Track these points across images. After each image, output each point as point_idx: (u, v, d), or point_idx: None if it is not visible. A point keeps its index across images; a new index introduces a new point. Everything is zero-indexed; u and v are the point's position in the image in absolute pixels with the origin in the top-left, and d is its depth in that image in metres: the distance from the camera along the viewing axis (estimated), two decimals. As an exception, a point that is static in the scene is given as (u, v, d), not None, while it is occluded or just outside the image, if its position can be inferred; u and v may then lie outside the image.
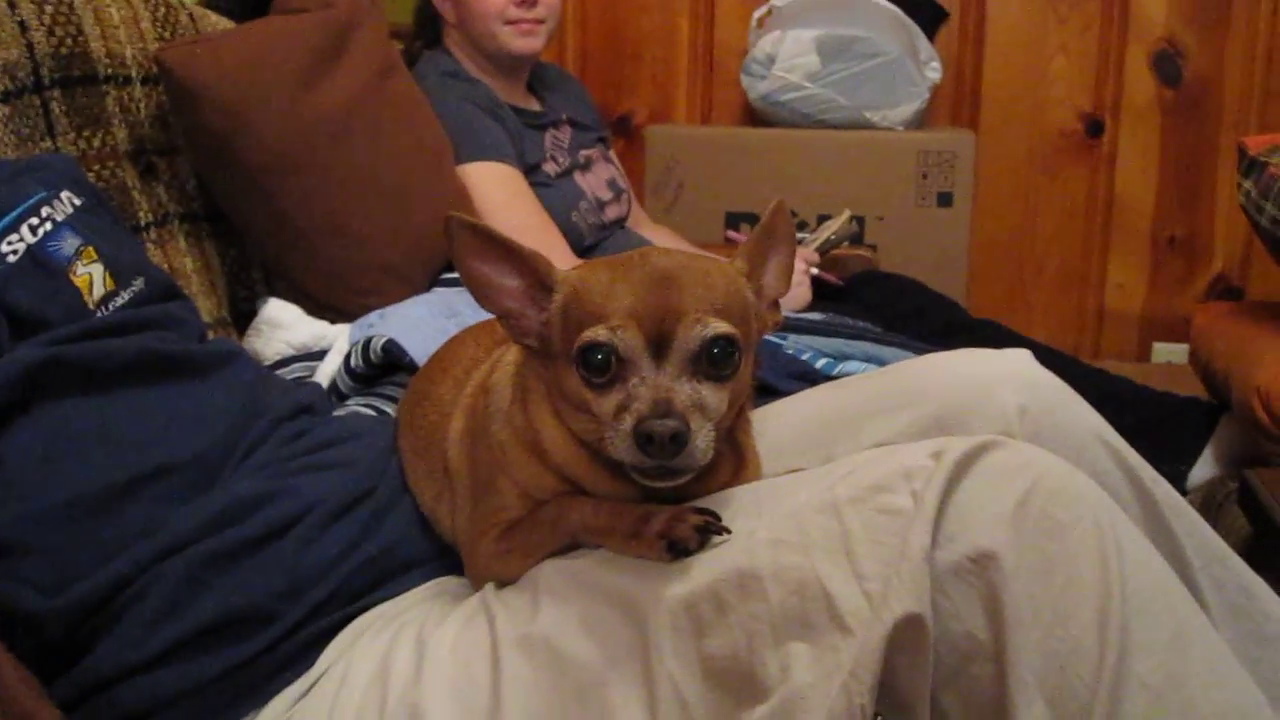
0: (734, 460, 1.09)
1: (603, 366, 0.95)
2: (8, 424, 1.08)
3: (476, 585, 1.12)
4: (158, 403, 1.18)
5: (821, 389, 1.33)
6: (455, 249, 1.03)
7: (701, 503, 1.00)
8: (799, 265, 2.37)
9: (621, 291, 0.96)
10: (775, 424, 1.23)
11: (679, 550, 0.95)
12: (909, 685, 0.87)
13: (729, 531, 0.95)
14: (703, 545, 0.95)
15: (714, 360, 0.95)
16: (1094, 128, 3.39)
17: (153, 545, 1.07)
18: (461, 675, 1.00)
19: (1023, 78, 3.41)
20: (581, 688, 0.95)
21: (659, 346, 0.94)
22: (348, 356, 1.76)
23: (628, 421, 0.92)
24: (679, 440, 0.90)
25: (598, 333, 0.94)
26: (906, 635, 0.85)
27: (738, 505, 0.99)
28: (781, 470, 1.13)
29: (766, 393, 1.76)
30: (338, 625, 1.13)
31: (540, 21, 2.32)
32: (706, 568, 0.93)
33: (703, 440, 0.92)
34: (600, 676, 0.94)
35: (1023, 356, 1.21)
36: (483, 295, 1.04)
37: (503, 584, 1.09)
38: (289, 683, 1.10)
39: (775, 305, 1.08)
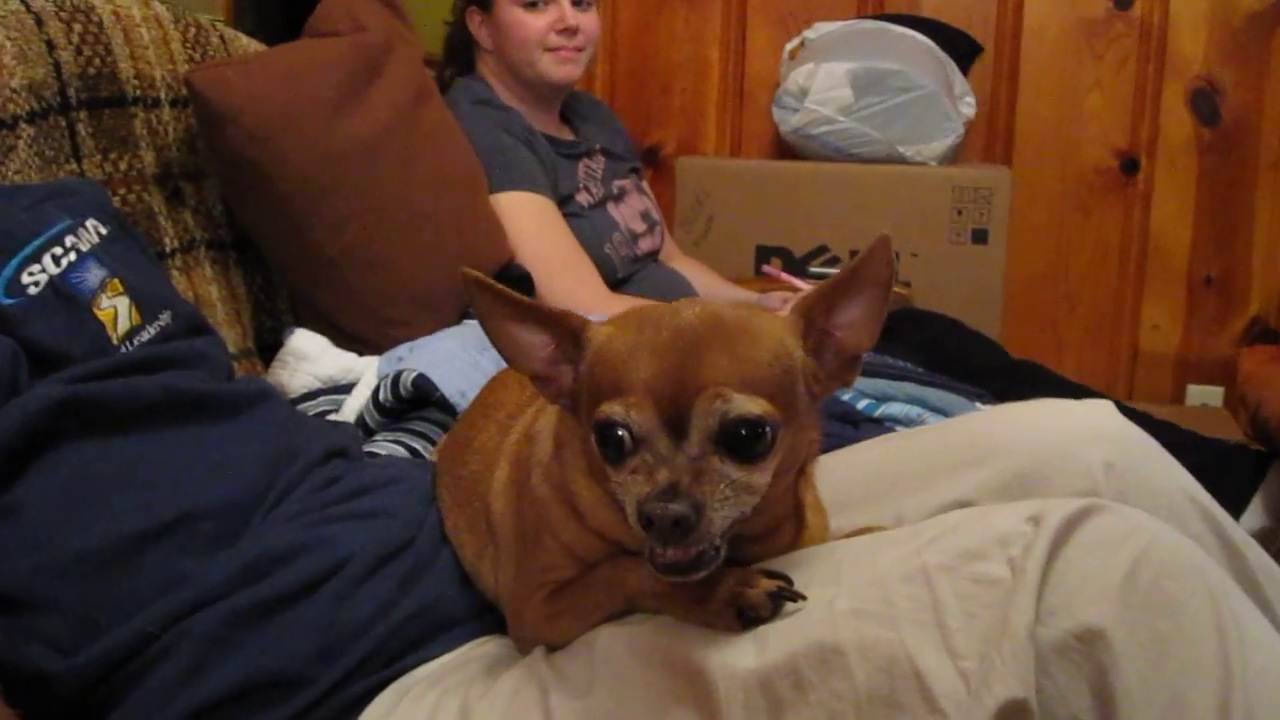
0: (796, 522, 1.01)
1: (619, 444, 0.86)
2: (25, 468, 1.01)
3: (523, 649, 1.05)
4: (183, 446, 1.11)
5: (887, 439, 1.26)
6: (477, 310, 0.95)
7: (769, 566, 0.93)
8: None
9: (641, 361, 0.87)
10: (837, 475, 1.14)
11: (750, 619, 0.88)
12: None
13: (804, 598, 0.88)
14: (776, 613, 0.88)
15: (740, 442, 0.85)
16: (1129, 166, 3.32)
17: (176, 601, 1.00)
18: None
19: (1057, 114, 3.35)
20: None
21: (677, 423, 0.85)
22: (376, 390, 1.69)
23: (631, 504, 0.84)
24: (683, 525, 0.81)
25: (613, 409, 0.86)
26: (1003, 716, 0.77)
27: (811, 570, 0.92)
28: (850, 529, 1.06)
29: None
30: (373, 690, 1.05)
31: (580, 49, 2.28)
32: (783, 640, 0.86)
33: (720, 524, 0.84)
34: None
35: (1105, 408, 1.14)
36: (510, 357, 0.96)
37: (552, 648, 1.01)
38: None
39: (853, 361, 0.95)
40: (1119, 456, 1.07)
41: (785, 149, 3.25)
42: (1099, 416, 1.12)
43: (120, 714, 0.97)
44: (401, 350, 1.84)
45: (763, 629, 0.87)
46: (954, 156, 3.14)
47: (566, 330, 0.94)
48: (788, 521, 1.00)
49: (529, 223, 2.14)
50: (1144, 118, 3.30)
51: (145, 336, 1.21)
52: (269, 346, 1.89)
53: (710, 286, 2.57)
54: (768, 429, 0.85)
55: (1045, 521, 0.84)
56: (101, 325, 1.17)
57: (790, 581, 0.89)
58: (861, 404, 1.94)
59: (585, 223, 2.27)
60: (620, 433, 0.86)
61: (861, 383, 2.01)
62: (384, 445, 1.59)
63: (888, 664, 0.82)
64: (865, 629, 0.83)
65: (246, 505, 1.10)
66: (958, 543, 0.86)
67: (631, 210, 2.45)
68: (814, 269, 2.95)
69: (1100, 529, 0.84)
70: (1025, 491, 1.05)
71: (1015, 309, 3.27)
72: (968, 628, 0.81)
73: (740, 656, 0.86)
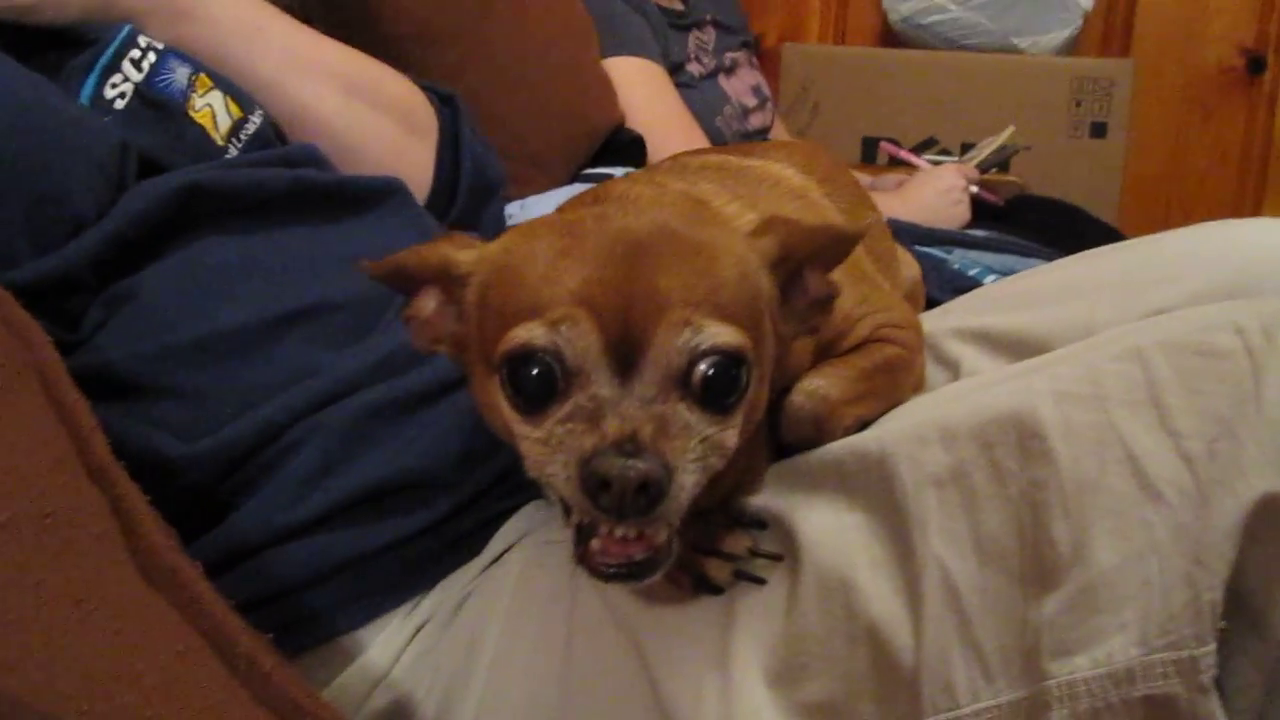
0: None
1: (540, 384, 0.67)
2: (144, 256, 0.95)
3: None
4: (310, 238, 1.03)
5: (1066, 261, 1.15)
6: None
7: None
8: (959, 182, 2.22)
9: (568, 267, 0.67)
10: (1020, 285, 1.05)
11: (707, 588, 0.79)
12: (1258, 584, 0.70)
13: (765, 582, 0.80)
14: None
15: (710, 385, 0.67)
16: (1256, 65, 3.15)
17: (307, 391, 0.92)
18: None
19: (1179, 9, 3.18)
20: (822, 574, 0.79)
21: (625, 353, 0.66)
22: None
23: (571, 461, 0.65)
24: (652, 491, 0.63)
25: (532, 332, 0.66)
26: (1259, 516, 0.68)
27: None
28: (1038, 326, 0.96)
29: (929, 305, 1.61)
30: (519, 504, 0.97)
31: None
32: (974, 424, 0.78)
33: (689, 494, 0.66)
34: (849, 560, 0.79)
35: (1309, 227, 1.03)
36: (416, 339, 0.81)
37: None
38: (460, 565, 0.94)
39: (823, 303, 0.78)
40: None
41: (889, 38, 3.12)
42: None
43: (249, 509, 0.90)
44: (513, 207, 1.77)
45: (947, 411, 0.80)
46: (1070, 50, 3.01)
47: (434, 266, 0.76)
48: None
49: (641, 88, 2.07)
50: (1273, 13, 3.12)
51: (250, 129, 1.12)
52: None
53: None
54: (743, 369, 0.69)
55: (1272, 305, 0.75)
56: (201, 129, 1.08)
57: (763, 524, 0.80)
58: (989, 278, 1.84)
59: (696, 94, 2.20)
60: (544, 364, 0.66)
61: (988, 258, 1.92)
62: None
63: (1096, 447, 0.74)
64: (1069, 410, 0.75)
65: (379, 300, 1.01)
66: (1176, 322, 0.78)
67: (743, 84, 2.37)
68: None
69: None
70: (1231, 304, 0.95)
71: (1131, 208, 3.13)
72: (1190, 405, 0.73)
73: (929, 449, 0.78)
